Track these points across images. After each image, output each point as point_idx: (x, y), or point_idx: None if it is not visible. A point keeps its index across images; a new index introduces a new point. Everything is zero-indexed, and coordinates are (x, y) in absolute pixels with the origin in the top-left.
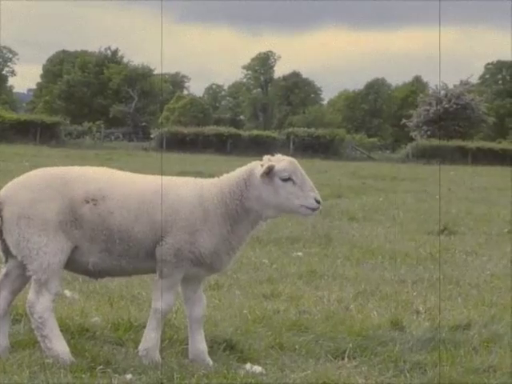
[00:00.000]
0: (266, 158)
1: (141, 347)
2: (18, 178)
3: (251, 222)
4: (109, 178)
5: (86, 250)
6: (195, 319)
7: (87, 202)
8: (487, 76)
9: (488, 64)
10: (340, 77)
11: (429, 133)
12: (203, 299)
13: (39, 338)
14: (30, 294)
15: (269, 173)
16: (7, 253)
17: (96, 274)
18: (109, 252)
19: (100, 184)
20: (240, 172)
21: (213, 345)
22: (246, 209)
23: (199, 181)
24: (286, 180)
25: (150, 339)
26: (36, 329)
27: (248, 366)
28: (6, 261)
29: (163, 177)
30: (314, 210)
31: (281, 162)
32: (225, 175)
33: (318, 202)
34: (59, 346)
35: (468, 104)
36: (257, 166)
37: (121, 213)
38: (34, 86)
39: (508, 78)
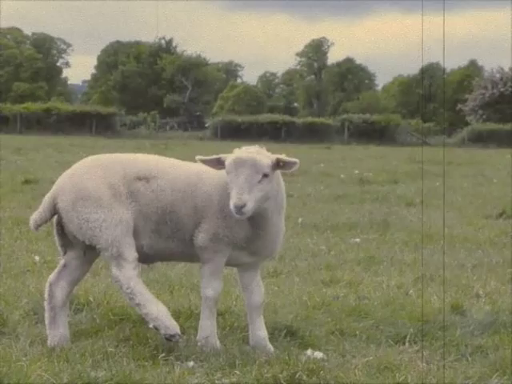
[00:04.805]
0: (242, 148)
1: (199, 337)
2: (67, 170)
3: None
4: (157, 161)
5: (140, 229)
6: (254, 307)
7: (139, 179)
8: None
9: None
10: (394, 62)
11: (484, 117)
12: (261, 286)
13: (136, 309)
14: (112, 271)
15: (218, 165)
16: (65, 247)
17: (150, 257)
18: (159, 233)
19: (150, 165)
20: None
21: (273, 331)
22: None
23: None
24: (228, 174)
25: (206, 327)
26: (130, 301)
27: (309, 351)
28: (64, 254)
29: (199, 164)
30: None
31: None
32: None
33: (235, 206)
34: (154, 308)
35: None
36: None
37: (172, 192)
38: (88, 78)
39: None
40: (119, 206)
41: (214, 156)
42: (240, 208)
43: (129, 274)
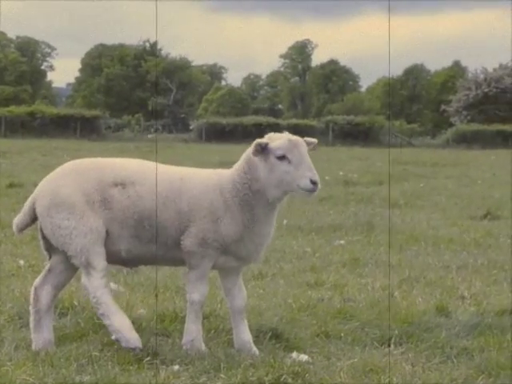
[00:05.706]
0: (267, 136)
1: (184, 340)
2: (48, 175)
3: (264, 205)
4: (138, 165)
5: (117, 235)
6: (237, 310)
7: (116, 185)
8: None
9: None
10: (378, 63)
11: (469, 117)
12: (243, 290)
13: (101, 318)
14: (82, 279)
15: (262, 151)
16: (50, 251)
17: (130, 261)
18: (139, 238)
19: (129, 170)
20: (243, 155)
21: (258, 334)
22: (255, 191)
23: (219, 171)
24: (281, 158)
25: (191, 331)
26: (96, 310)
27: (294, 354)
28: (50, 258)
29: (186, 168)
30: (309, 191)
31: (277, 139)
32: (236, 163)
33: (314, 183)
34: (117, 321)
35: (508, 88)
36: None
37: (151, 198)
38: (72, 81)
39: None
40: (91, 213)
41: (261, 142)
42: (316, 183)
43: (96, 284)
